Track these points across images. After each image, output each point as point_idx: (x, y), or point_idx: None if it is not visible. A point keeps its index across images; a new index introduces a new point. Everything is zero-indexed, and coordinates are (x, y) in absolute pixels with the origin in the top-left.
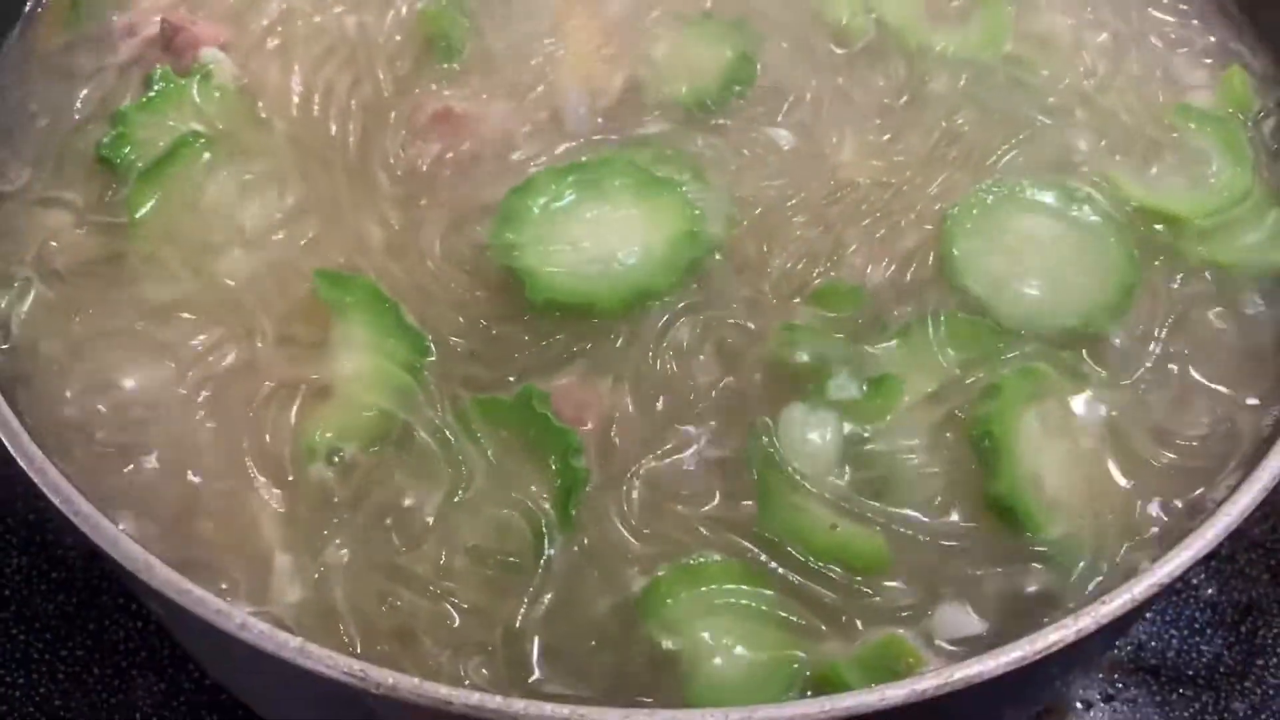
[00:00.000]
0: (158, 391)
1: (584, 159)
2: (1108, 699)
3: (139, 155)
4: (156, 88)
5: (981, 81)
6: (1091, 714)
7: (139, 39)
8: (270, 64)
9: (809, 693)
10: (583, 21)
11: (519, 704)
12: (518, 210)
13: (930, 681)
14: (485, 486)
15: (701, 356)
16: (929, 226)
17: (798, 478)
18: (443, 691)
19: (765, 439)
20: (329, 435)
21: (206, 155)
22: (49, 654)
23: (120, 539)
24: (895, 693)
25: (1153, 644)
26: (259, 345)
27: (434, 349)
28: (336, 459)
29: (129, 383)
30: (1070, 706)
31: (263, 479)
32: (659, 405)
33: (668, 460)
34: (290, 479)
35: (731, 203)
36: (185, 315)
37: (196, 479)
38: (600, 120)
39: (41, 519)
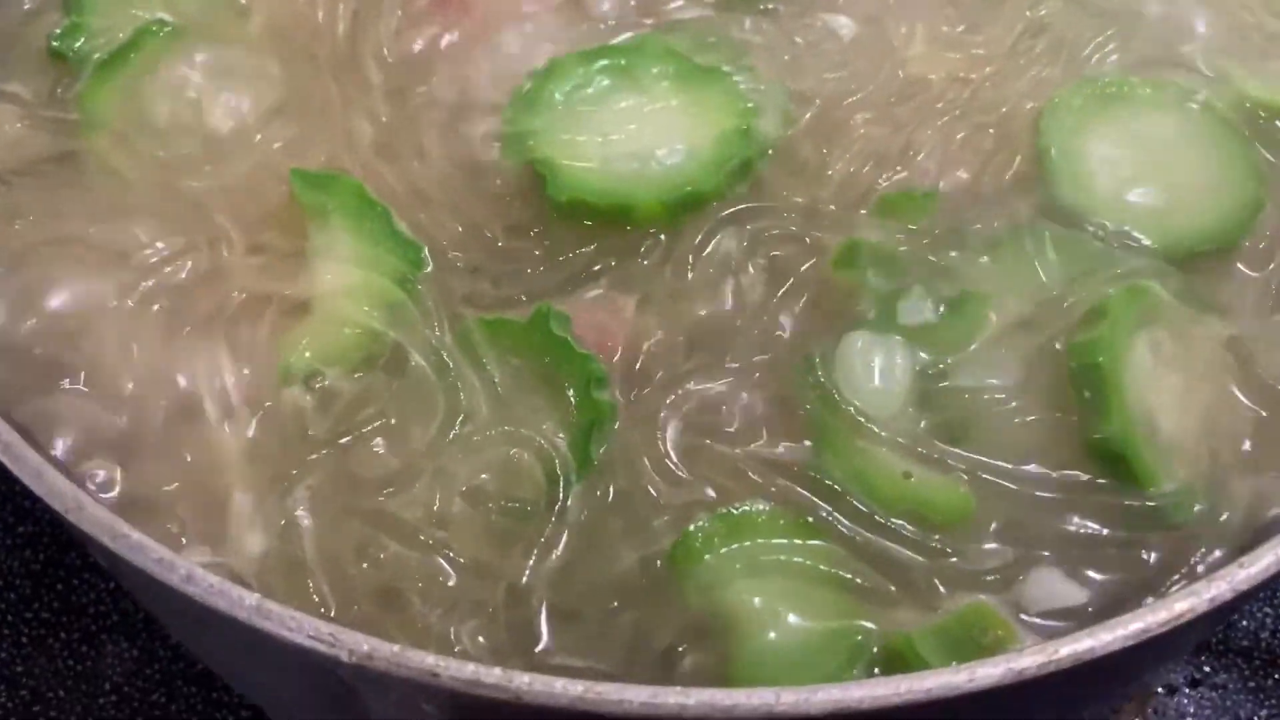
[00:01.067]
0: (103, 303)
1: (614, 43)
2: (1194, 684)
3: (96, 46)
4: None
5: None
6: (1175, 700)
7: None
8: None
9: (876, 670)
10: None
11: (522, 678)
12: (538, 96)
13: (1031, 659)
14: (490, 420)
15: (750, 270)
16: (1015, 128)
17: (860, 419)
18: (429, 661)
19: (819, 372)
20: (307, 356)
21: (174, 46)
22: (12, 615)
23: (46, 471)
24: (989, 672)
25: (1244, 623)
26: (225, 254)
27: (430, 261)
28: (317, 385)
29: (70, 293)
30: (1153, 692)
31: (223, 405)
32: (698, 329)
33: (707, 393)
34: (257, 406)
35: (787, 96)
36: (142, 221)
37: (144, 403)
38: (631, 3)
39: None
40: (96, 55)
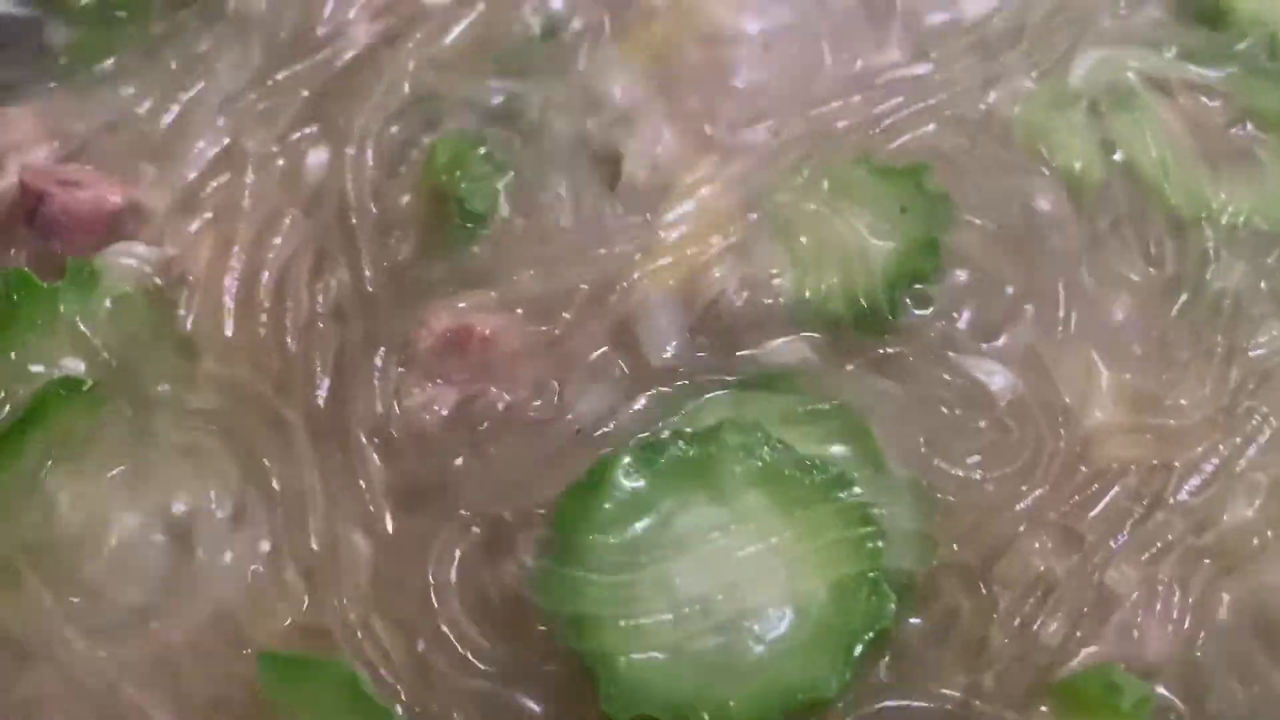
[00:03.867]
0: None
1: (683, 425)
2: None
3: None
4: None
5: None
6: None
7: None
8: (201, 242)
9: None
10: (692, 179)
11: None
12: (582, 537)
13: None
14: None
15: None
16: (1236, 548)
17: None
18: None
19: None
20: None
21: (88, 420)
22: None
23: None
24: None
25: None
26: None
27: None
28: None
29: None
30: None
31: None
32: None
33: None
34: None
35: (926, 507)
36: None
37: None
38: (702, 343)
39: None
40: None
